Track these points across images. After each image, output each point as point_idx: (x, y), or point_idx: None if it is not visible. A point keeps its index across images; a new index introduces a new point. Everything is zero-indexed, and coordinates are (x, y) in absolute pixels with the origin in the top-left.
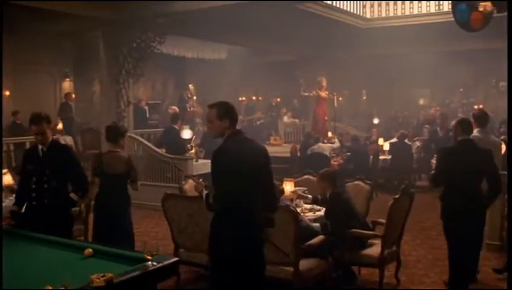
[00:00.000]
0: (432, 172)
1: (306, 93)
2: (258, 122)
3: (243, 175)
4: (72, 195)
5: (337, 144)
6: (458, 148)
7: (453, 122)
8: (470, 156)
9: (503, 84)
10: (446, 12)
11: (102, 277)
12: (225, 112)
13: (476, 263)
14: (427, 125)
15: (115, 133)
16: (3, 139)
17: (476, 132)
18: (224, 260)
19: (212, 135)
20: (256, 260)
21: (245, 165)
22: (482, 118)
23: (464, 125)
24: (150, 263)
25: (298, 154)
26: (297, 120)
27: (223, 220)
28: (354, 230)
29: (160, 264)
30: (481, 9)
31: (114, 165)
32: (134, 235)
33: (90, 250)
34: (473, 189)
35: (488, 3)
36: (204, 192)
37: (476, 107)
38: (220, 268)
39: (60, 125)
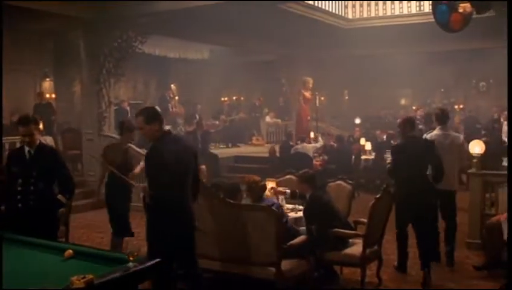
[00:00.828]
0: (388, 166)
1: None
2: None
3: (174, 172)
4: (60, 197)
5: (320, 143)
6: (408, 143)
7: (400, 121)
8: (417, 149)
9: (483, 84)
10: (427, 13)
11: (83, 278)
12: (152, 116)
13: (437, 244)
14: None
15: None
16: None
17: (437, 129)
18: (159, 247)
19: (147, 139)
20: (188, 245)
21: (175, 162)
22: (443, 117)
23: (410, 123)
24: (131, 264)
25: (277, 154)
26: (279, 120)
27: (157, 212)
28: (336, 230)
29: (142, 266)
30: (461, 10)
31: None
32: None
33: (71, 251)
34: (421, 177)
35: (468, 5)
36: (141, 194)
37: (456, 107)
38: (155, 255)
39: (40, 126)
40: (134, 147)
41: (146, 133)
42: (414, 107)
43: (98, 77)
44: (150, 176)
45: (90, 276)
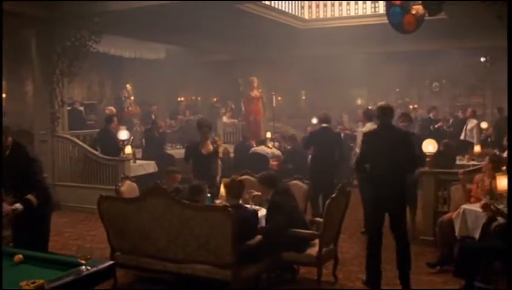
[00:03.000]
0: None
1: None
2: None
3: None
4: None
5: (278, 152)
6: (383, 131)
7: (379, 105)
8: (393, 137)
9: (436, 84)
10: (381, 15)
11: (33, 283)
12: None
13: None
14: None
15: None
16: None
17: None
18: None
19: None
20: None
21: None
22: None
23: (390, 110)
24: (84, 267)
25: (231, 155)
26: (236, 120)
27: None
28: (294, 230)
29: (95, 268)
30: (414, 12)
31: None
32: None
33: (21, 256)
34: (398, 168)
35: (420, 7)
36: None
37: (411, 107)
38: None
39: None
40: None
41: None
42: (370, 107)
43: (50, 77)
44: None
45: (41, 281)
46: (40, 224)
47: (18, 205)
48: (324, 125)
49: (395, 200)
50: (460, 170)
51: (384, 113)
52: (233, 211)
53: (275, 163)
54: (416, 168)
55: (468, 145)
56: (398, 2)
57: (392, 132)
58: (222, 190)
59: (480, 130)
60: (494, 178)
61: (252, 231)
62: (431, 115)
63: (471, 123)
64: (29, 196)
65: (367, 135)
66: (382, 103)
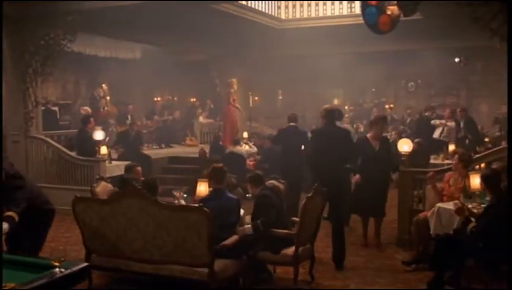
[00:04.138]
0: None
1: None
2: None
3: None
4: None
5: (254, 149)
6: (328, 129)
7: (326, 108)
8: (333, 135)
9: (412, 84)
10: (358, 15)
11: (4, 287)
12: None
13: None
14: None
15: None
16: None
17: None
18: None
19: None
20: None
21: None
22: (339, 114)
23: (338, 112)
24: (57, 269)
25: (207, 155)
26: (212, 120)
27: None
28: (271, 229)
29: (69, 271)
30: (389, 12)
31: None
32: None
33: None
34: (340, 163)
35: (395, 7)
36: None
37: (387, 106)
38: None
39: None
40: None
41: None
42: (346, 107)
43: (23, 76)
44: None
45: (12, 284)
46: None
47: (5, 227)
48: (292, 124)
49: (334, 189)
50: (430, 171)
51: (329, 114)
52: (216, 194)
53: (251, 163)
54: (352, 160)
55: (442, 144)
56: (373, 2)
57: (334, 130)
58: (198, 189)
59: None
60: (467, 177)
61: (234, 216)
62: (427, 114)
63: (450, 123)
64: (11, 213)
65: (314, 132)
66: (327, 106)
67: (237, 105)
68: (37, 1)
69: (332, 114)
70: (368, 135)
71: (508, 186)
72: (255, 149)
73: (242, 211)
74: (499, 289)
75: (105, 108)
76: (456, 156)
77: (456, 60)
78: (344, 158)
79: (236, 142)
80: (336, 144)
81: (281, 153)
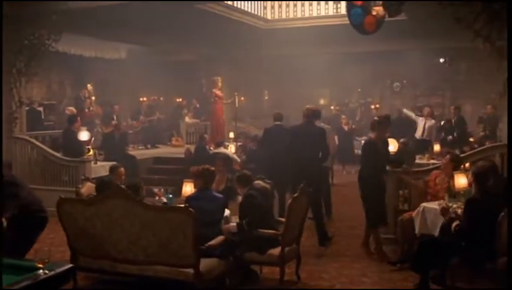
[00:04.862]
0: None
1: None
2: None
3: None
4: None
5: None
6: (304, 126)
7: (308, 108)
8: (308, 131)
9: (397, 84)
10: (343, 15)
11: None
12: None
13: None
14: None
15: None
16: None
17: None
18: None
19: None
20: None
21: None
22: (318, 113)
23: (318, 113)
24: (41, 271)
25: (193, 156)
26: (198, 120)
27: None
28: (257, 230)
29: (53, 272)
30: (374, 13)
31: None
32: None
33: None
34: (313, 153)
35: (381, 8)
36: None
37: (372, 107)
38: None
39: None
40: None
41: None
42: (332, 107)
43: (7, 76)
44: None
45: None
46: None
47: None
48: (277, 123)
49: (311, 177)
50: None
51: (310, 114)
52: (203, 193)
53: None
54: (326, 155)
55: (427, 144)
56: (359, 3)
57: (311, 127)
58: (184, 189)
59: (440, 128)
60: (452, 177)
61: (219, 214)
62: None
63: (429, 122)
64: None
65: (293, 129)
66: (309, 105)
67: (225, 101)
68: (22, 1)
69: (312, 113)
70: (372, 136)
71: (508, 186)
72: (236, 158)
73: (228, 211)
74: (483, 287)
75: (91, 108)
76: (448, 156)
77: (441, 60)
78: (318, 154)
79: (220, 144)
80: (311, 140)
81: (267, 153)
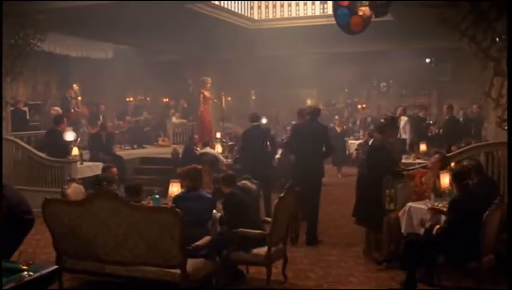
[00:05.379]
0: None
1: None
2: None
3: None
4: None
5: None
6: (305, 124)
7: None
8: (312, 129)
9: (384, 84)
10: (330, 15)
11: None
12: None
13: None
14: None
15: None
16: None
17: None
18: None
19: None
20: None
21: None
22: (319, 112)
23: (318, 111)
24: (26, 273)
25: (180, 156)
26: (185, 120)
27: None
28: (241, 230)
29: (38, 274)
30: (360, 13)
31: None
32: None
33: None
34: (315, 149)
35: (367, 8)
36: None
37: (359, 107)
38: None
39: None
40: None
41: None
42: (320, 107)
43: None
44: None
45: None
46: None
47: None
48: (254, 123)
49: (309, 171)
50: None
51: (312, 112)
52: (191, 193)
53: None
54: (330, 152)
55: (403, 143)
56: (345, 3)
57: (315, 125)
58: (171, 189)
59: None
60: (437, 176)
61: (207, 214)
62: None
63: (402, 121)
64: None
65: (296, 127)
66: (310, 104)
67: (215, 100)
68: (7, 0)
69: (314, 111)
70: (379, 137)
71: (508, 185)
72: (224, 161)
73: (215, 212)
74: (468, 286)
75: (76, 108)
76: (437, 155)
77: (427, 60)
78: (320, 152)
79: (206, 144)
80: (314, 138)
81: (248, 154)
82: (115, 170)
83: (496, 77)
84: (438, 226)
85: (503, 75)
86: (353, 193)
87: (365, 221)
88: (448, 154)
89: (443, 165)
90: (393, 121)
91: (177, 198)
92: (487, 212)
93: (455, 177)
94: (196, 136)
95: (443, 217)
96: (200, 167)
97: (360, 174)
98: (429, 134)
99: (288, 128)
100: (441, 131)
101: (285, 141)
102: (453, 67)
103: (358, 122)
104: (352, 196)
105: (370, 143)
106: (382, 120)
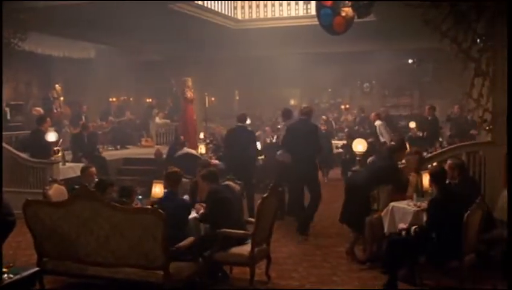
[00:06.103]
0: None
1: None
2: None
3: None
4: None
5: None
6: (298, 124)
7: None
8: (307, 129)
9: (367, 85)
10: (313, 16)
11: None
12: None
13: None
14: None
15: None
16: None
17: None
18: None
19: None
20: None
21: None
22: (310, 112)
23: (311, 111)
24: (5, 275)
25: (164, 156)
26: (169, 121)
27: None
28: (224, 230)
29: (18, 276)
30: (343, 14)
31: None
32: None
33: None
34: (307, 148)
35: (350, 9)
36: None
37: (343, 107)
38: None
39: None
40: None
41: None
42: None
43: None
44: None
45: None
46: None
47: None
48: (240, 124)
49: (308, 170)
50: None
51: (307, 112)
52: (171, 195)
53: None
54: (320, 151)
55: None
56: (328, 3)
57: (308, 125)
58: (153, 190)
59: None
60: (419, 176)
61: (182, 219)
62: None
63: (377, 125)
64: None
65: (291, 127)
66: (305, 105)
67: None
68: None
69: (309, 112)
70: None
71: (508, 187)
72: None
73: (194, 214)
74: (449, 285)
75: (59, 109)
76: (416, 155)
77: (410, 61)
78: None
79: (183, 144)
80: (308, 137)
81: (230, 154)
82: (93, 170)
83: (476, 78)
84: (415, 227)
85: (484, 76)
86: (339, 193)
87: (354, 224)
88: (430, 154)
89: (419, 163)
90: (403, 144)
91: (159, 200)
92: (468, 211)
93: (432, 177)
94: (182, 137)
95: (424, 217)
96: (176, 169)
97: (350, 179)
98: (410, 134)
99: (279, 126)
100: (424, 134)
101: (274, 141)
102: (434, 68)
103: (343, 123)
104: (338, 196)
105: (377, 163)
106: (393, 142)
